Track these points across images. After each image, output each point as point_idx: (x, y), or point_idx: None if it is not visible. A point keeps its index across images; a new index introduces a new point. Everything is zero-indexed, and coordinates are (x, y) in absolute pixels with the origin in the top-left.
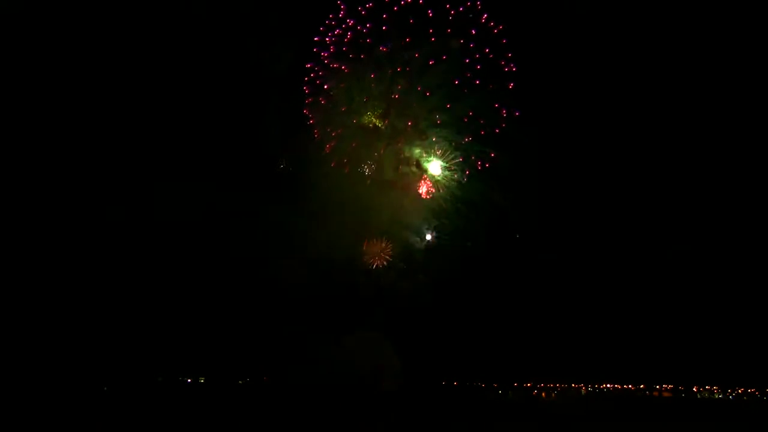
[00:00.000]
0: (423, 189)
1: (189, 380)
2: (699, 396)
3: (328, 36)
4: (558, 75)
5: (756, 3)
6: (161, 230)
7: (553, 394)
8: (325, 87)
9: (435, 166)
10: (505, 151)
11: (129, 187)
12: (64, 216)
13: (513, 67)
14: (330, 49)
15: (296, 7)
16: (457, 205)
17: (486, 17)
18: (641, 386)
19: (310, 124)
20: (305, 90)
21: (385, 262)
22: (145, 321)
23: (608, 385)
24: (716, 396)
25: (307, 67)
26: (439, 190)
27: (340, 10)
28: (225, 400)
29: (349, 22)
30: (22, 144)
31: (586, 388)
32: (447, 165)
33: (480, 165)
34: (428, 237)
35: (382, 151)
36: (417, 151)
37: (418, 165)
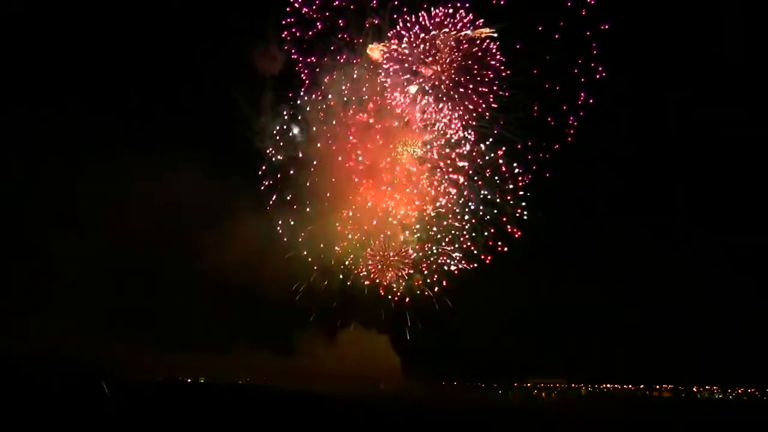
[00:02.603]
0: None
1: (189, 380)
2: (699, 396)
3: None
4: None
5: None
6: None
7: (553, 394)
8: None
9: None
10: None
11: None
12: (64, 214)
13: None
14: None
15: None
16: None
17: None
18: (641, 386)
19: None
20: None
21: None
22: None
23: (608, 385)
24: (716, 396)
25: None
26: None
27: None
28: (224, 399)
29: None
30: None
31: (586, 388)
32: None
33: None
34: None
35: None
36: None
37: None
